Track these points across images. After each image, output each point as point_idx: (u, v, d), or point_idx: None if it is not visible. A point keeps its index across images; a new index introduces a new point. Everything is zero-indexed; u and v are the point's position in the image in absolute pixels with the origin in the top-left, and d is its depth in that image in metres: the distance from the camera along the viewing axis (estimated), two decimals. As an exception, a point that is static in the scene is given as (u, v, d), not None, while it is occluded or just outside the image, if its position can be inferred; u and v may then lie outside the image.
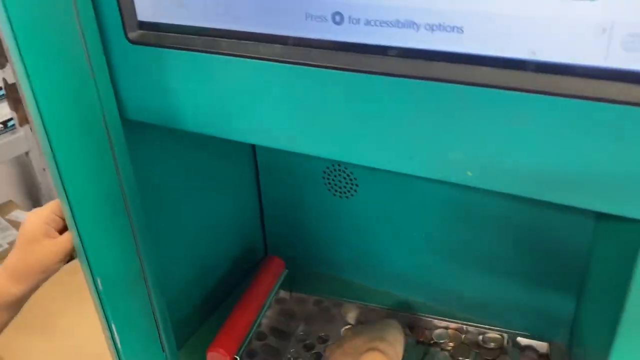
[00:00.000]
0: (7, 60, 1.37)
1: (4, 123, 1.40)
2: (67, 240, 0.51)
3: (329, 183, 0.68)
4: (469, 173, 0.38)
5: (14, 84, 1.39)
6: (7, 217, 1.53)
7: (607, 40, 0.30)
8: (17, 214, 1.54)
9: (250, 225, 0.77)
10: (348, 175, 0.66)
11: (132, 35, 0.46)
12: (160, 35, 0.45)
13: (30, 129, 1.44)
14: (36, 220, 0.52)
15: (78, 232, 0.48)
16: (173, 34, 0.45)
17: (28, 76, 0.42)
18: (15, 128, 1.42)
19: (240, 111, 0.45)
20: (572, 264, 0.59)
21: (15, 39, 0.40)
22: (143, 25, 0.46)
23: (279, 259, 0.71)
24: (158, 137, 0.56)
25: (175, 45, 0.45)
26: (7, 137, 1.40)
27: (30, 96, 0.42)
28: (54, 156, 0.45)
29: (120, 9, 0.45)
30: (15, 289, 0.52)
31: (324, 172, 0.68)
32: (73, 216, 0.47)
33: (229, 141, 0.48)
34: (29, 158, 1.46)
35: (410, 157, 0.39)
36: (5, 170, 1.76)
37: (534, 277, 0.62)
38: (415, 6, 0.36)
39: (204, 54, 0.44)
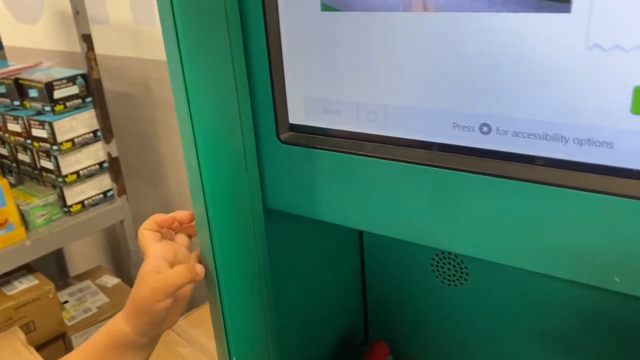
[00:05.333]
0: (112, 136, 1.50)
1: (104, 193, 1.51)
2: (170, 276, 0.48)
3: (437, 270, 0.70)
4: (617, 279, 0.39)
5: (117, 158, 1.51)
6: (96, 281, 1.61)
7: None
8: (105, 279, 1.62)
9: (352, 308, 0.79)
10: (458, 264, 0.68)
11: (284, 136, 0.51)
12: (309, 137, 0.50)
13: (127, 199, 1.55)
14: (152, 254, 0.50)
15: (222, 309, 0.51)
16: (321, 136, 0.50)
17: (199, 167, 0.47)
18: (113, 198, 1.52)
19: (376, 206, 0.49)
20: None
21: (195, 143, 0.46)
22: (294, 127, 0.51)
23: (385, 345, 0.72)
24: (287, 223, 0.61)
25: (322, 147, 0.49)
26: (106, 207, 1.51)
27: (198, 182, 0.48)
28: (210, 235, 0.49)
29: (275, 113, 0.51)
30: (127, 328, 0.49)
31: (433, 260, 0.70)
32: (220, 294, 0.51)
33: (341, 226, 0.51)
34: (123, 226, 1.56)
35: (555, 261, 0.41)
36: (97, 237, 1.88)
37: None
38: (564, 122, 0.39)
39: (349, 155, 0.48)
